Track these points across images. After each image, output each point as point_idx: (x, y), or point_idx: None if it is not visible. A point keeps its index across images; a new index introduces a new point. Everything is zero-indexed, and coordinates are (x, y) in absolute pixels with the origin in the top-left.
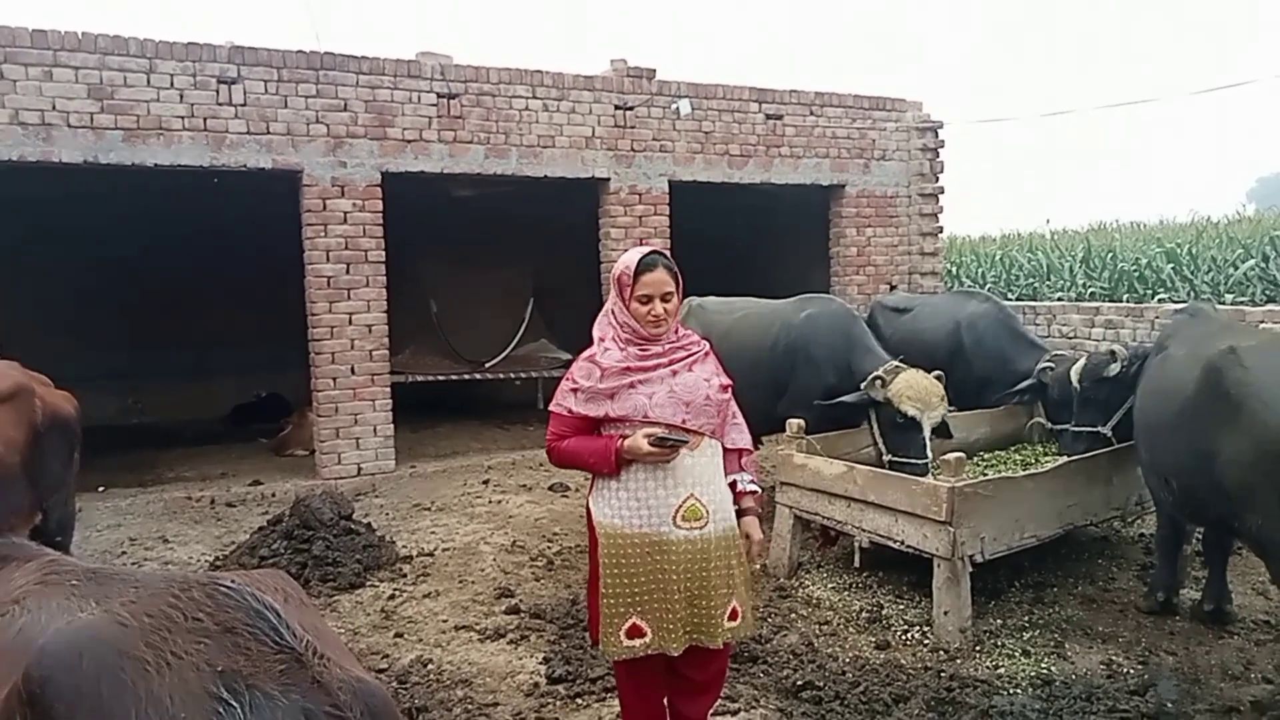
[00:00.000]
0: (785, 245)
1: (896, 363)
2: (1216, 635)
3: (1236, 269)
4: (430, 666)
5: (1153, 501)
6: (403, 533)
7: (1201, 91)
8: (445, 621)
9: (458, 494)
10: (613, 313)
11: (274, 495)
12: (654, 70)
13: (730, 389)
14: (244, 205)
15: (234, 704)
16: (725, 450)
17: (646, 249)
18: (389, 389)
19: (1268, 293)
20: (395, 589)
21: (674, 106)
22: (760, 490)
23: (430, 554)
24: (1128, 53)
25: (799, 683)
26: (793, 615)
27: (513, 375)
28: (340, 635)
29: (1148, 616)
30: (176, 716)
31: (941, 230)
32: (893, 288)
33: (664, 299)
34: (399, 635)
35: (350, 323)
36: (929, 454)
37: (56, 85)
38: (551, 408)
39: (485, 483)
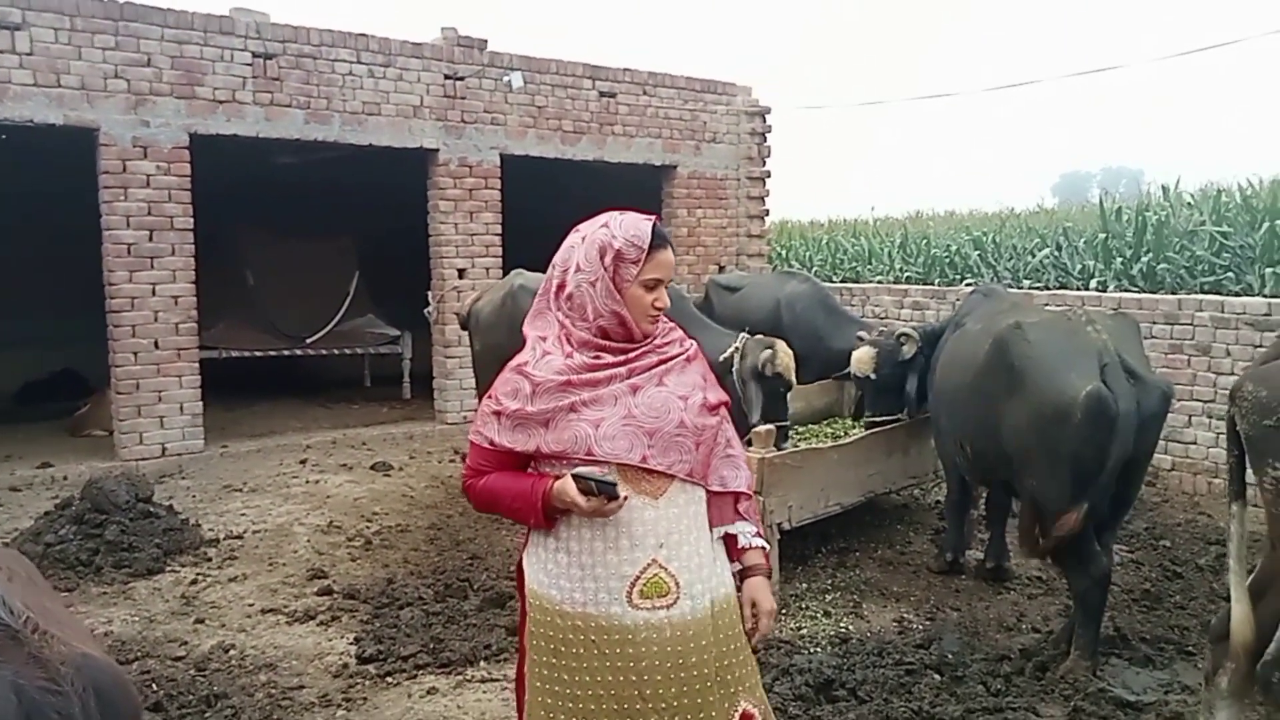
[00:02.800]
0: None
1: (744, 333)
2: (995, 591)
3: (1034, 257)
4: (232, 652)
5: (944, 467)
6: (210, 515)
7: (993, 89)
8: (251, 605)
9: (272, 474)
10: (564, 301)
11: (66, 478)
12: (485, 40)
13: (722, 409)
14: (38, 164)
15: None
16: (712, 494)
17: (647, 218)
18: (197, 364)
19: (1060, 279)
20: (198, 574)
21: (506, 79)
22: (767, 546)
23: (239, 536)
24: (943, 47)
25: None
26: None
27: (337, 351)
28: (134, 623)
29: (937, 576)
30: None
31: (768, 213)
32: (721, 268)
33: (666, 285)
34: (200, 621)
35: (154, 294)
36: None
37: None
38: (470, 435)
39: (303, 462)
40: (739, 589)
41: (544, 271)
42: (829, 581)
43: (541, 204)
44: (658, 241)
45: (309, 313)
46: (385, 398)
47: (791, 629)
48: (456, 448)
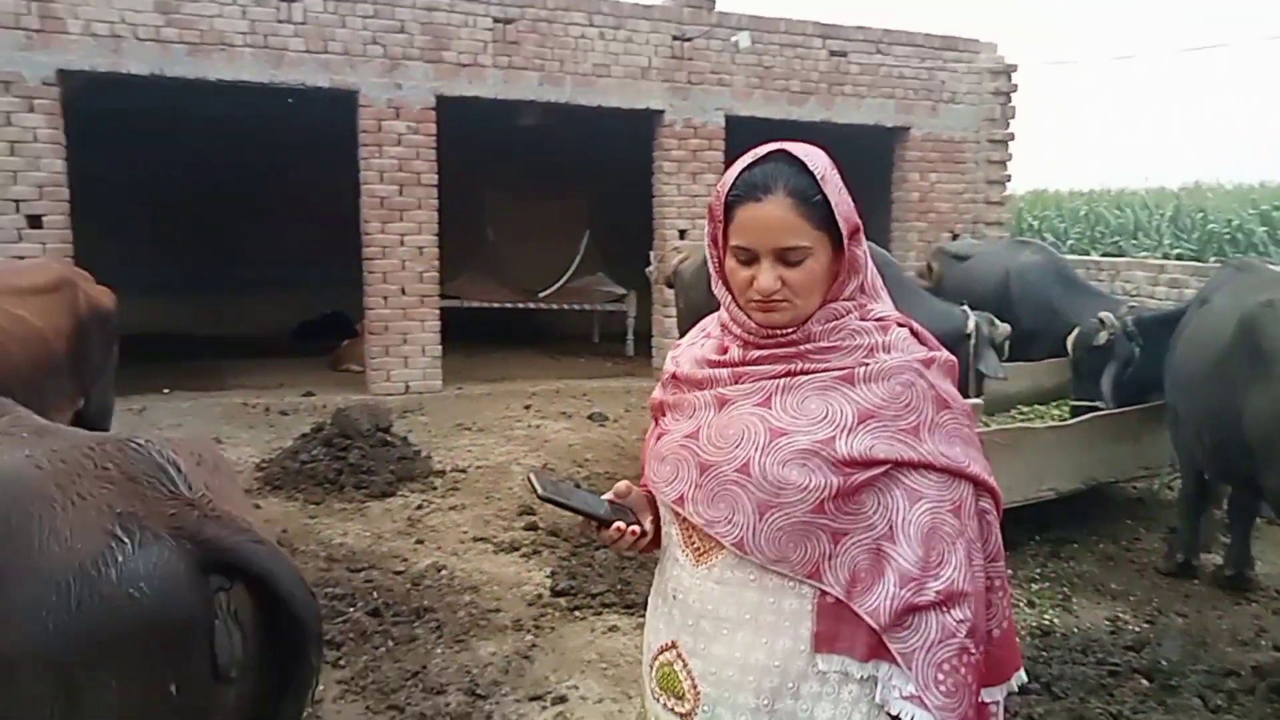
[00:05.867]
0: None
1: (964, 306)
2: (1233, 600)
3: None
4: (444, 572)
5: (1179, 459)
6: (440, 449)
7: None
8: (465, 533)
9: (499, 416)
10: None
11: (324, 406)
12: (714, 1)
13: (885, 472)
14: (317, 124)
15: (126, 540)
16: (833, 602)
17: (761, 151)
18: (438, 310)
19: None
20: (424, 500)
21: (733, 39)
22: None
23: (463, 470)
24: None
25: None
26: None
27: (567, 306)
28: (365, 538)
29: (1165, 577)
30: (74, 547)
31: (1009, 178)
32: (955, 236)
33: (785, 258)
34: (420, 542)
35: (402, 243)
36: None
37: None
38: None
39: (527, 408)
40: None
41: None
42: (1038, 571)
43: None
44: (742, 191)
45: (542, 268)
46: (610, 353)
47: None
48: None
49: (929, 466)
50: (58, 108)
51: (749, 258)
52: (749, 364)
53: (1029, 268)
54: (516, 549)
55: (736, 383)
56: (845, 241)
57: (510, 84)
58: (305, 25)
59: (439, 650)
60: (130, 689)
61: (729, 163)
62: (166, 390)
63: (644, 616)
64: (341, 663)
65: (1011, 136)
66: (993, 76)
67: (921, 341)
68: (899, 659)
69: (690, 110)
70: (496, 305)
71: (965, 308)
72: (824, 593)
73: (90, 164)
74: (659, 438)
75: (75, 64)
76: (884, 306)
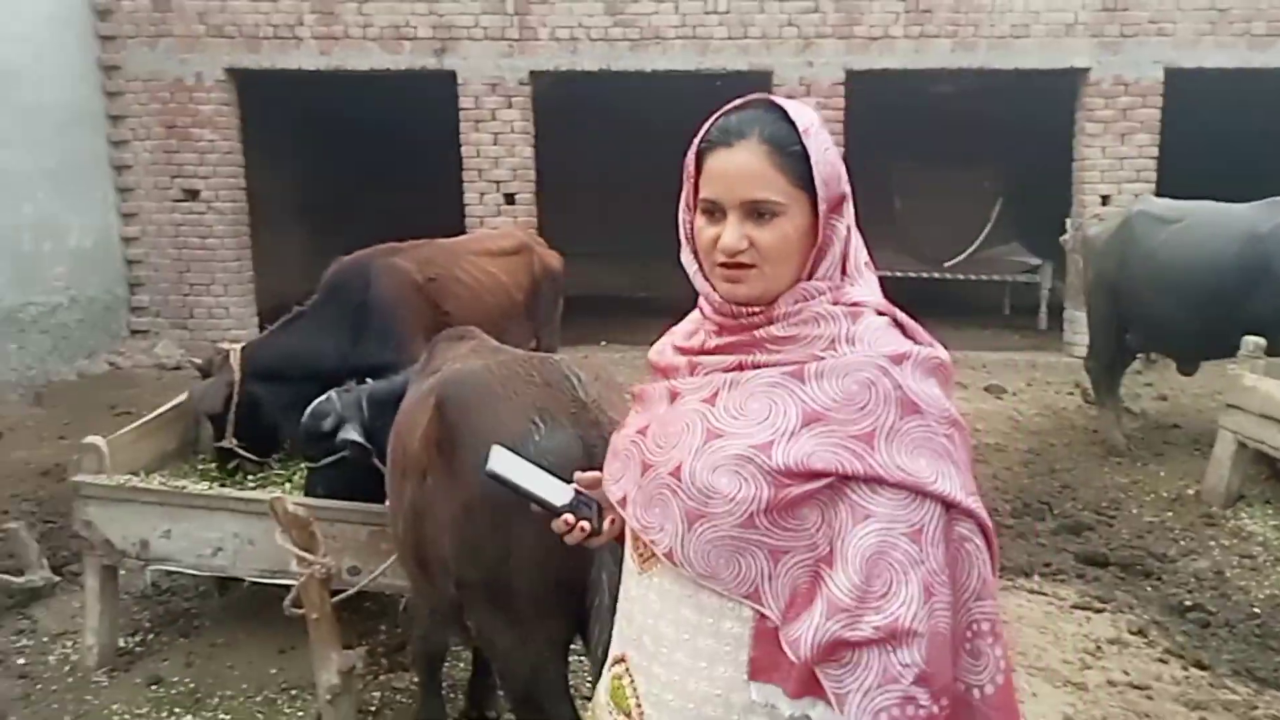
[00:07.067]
0: None
1: None
2: None
3: None
4: None
5: None
6: None
7: None
8: None
9: None
10: None
11: None
12: None
13: (838, 482)
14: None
15: (541, 425)
16: (772, 627)
17: (743, 100)
18: None
19: None
20: None
21: None
22: None
23: None
24: None
25: (1188, 604)
26: (1211, 543)
27: (974, 277)
28: None
29: None
30: (507, 425)
31: None
32: None
33: (754, 214)
34: None
35: None
36: None
37: (583, 4)
38: None
39: None
40: None
41: (1195, 198)
42: None
43: (1216, 123)
44: (714, 138)
45: (950, 237)
46: (1020, 326)
47: None
48: (1079, 381)
49: (879, 481)
50: (529, 103)
51: (716, 212)
52: (706, 353)
53: None
54: None
55: (691, 374)
56: (823, 208)
57: (921, 53)
58: (728, 14)
59: None
60: (541, 532)
61: (1167, 121)
62: (603, 343)
63: (1013, 581)
64: None
65: None
66: None
67: (907, 334)
68: (833, 700)
69: (1121, 65)
70: (901, 274)
71: None
72: (764, 615)
73: (551, 149)
74: (621, 429)
75: (542, 65)
76: (863, 291)
